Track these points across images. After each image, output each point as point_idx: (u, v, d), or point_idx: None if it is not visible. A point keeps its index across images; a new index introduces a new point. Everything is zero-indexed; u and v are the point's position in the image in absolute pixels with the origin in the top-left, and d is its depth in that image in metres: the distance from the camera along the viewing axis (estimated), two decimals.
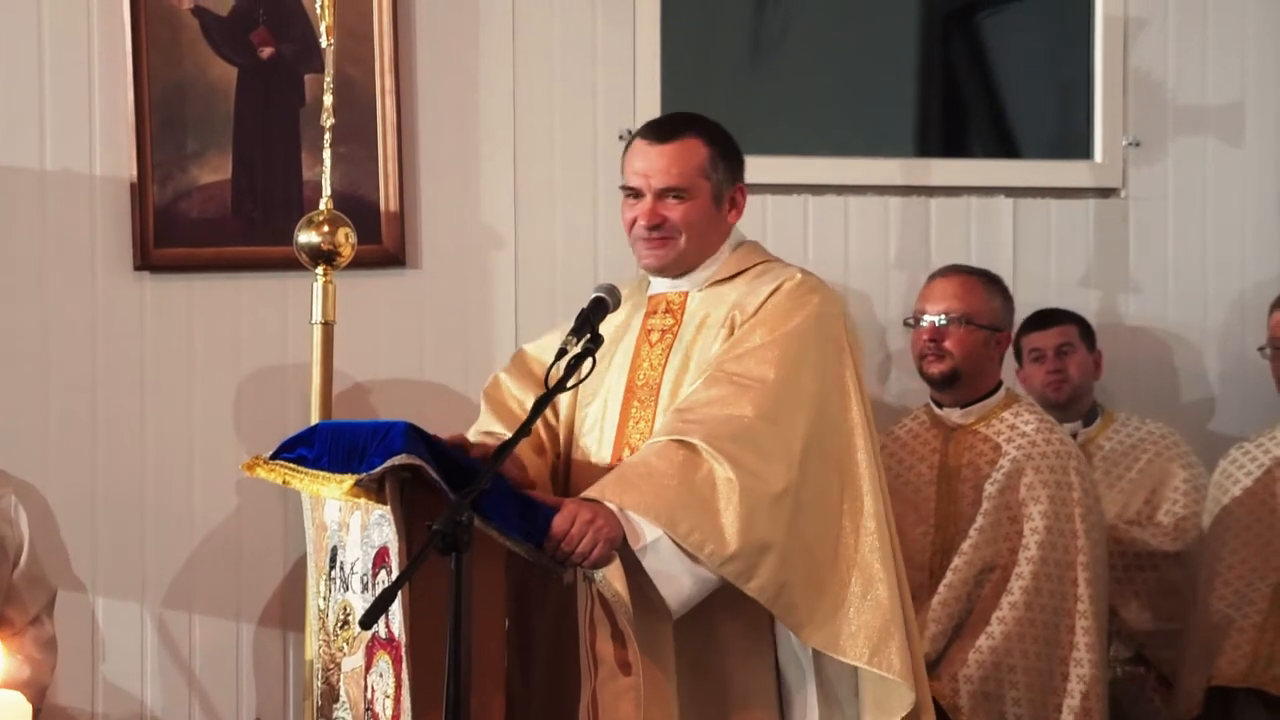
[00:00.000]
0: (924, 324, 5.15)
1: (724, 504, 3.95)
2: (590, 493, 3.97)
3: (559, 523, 3.87)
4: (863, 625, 4.06)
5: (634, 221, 4.29)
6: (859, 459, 4.16)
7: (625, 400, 4.28)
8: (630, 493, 3.94)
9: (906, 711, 4.11)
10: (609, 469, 4.17)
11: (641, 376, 4.28)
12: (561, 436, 4.40)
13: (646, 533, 3.92)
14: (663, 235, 4.26)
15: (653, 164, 4.26)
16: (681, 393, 4.19)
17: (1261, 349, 5.41)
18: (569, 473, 4.37)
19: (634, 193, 4.29)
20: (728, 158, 4.30)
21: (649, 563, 3.92)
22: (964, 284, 5.16)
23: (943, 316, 5.12)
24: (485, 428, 4.37)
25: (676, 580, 3.95)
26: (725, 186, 4.29)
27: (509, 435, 3.99)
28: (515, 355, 4.60)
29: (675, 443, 4.00)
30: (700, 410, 4.06)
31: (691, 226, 4.25)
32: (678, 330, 4.29)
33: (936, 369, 5.12)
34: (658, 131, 4.33)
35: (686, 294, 4.33)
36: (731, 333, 4.20)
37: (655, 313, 4.34)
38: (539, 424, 4.33)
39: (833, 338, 4.20)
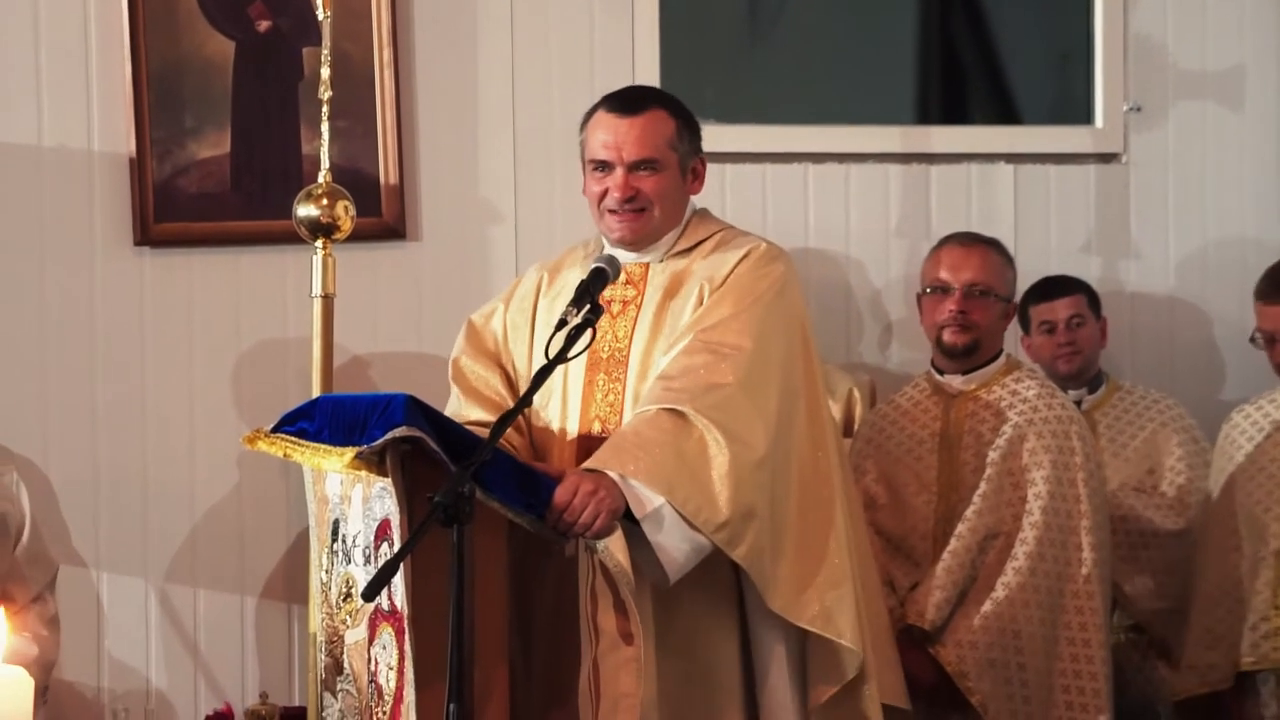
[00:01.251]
0: (947, 294, 5.08)
1: (715, 471, 3.99)
2: (590, 463, 3.98)
3: (561, 494, 3.88)
4: (818, 591, 4.11)
5: (603, 194, 4.28)
6: (822, 422, 4.23)
7: (589, 372, 4.28)
8: (630, 462, 3.95)
9: (856, 673, 4.17)
10: (576, 441, 4.21)
11: (606, 349, 4.28)
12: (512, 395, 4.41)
13: (648, 501, 3.93)
14: (636, 207, 4.26)
15: (624, 136, 4.26)
16: (653, 362, 4.21)
17: (1253, 339, 5.40)
18: (531, 445, 4.37)
19: (601, 165, 4.28)
20: (690, 130, 4.33)
21: (650, 530, 3.93)
22: (985, 255, 5.12)
23: (969, 287, 5.06)
24: (466, 415, 4.35)
25: (676, 548, 3.97)
26: (689, 158, 4.32)
27: (489, 419, 4.04)
28: (466, 329, 4.53)
29: (665, 411, 4.02)
30: (684, 379, 4.08)
31: (663, 198, 4.26)
32: (641, 301, 4.30)
33: (961, 340, 5.07)
34: (625, 104, 4.32)
35: (648, 265, 4.33)
36: (701, 303, 4.22)
37: (617, 283, 4.32)
38: (504, 400, 4.36)
39: (793, 306, 4.26)
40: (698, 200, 4.43)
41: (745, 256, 4.25)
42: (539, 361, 4.09)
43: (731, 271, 4.23)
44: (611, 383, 4.26)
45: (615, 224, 4.29)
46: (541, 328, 4.32)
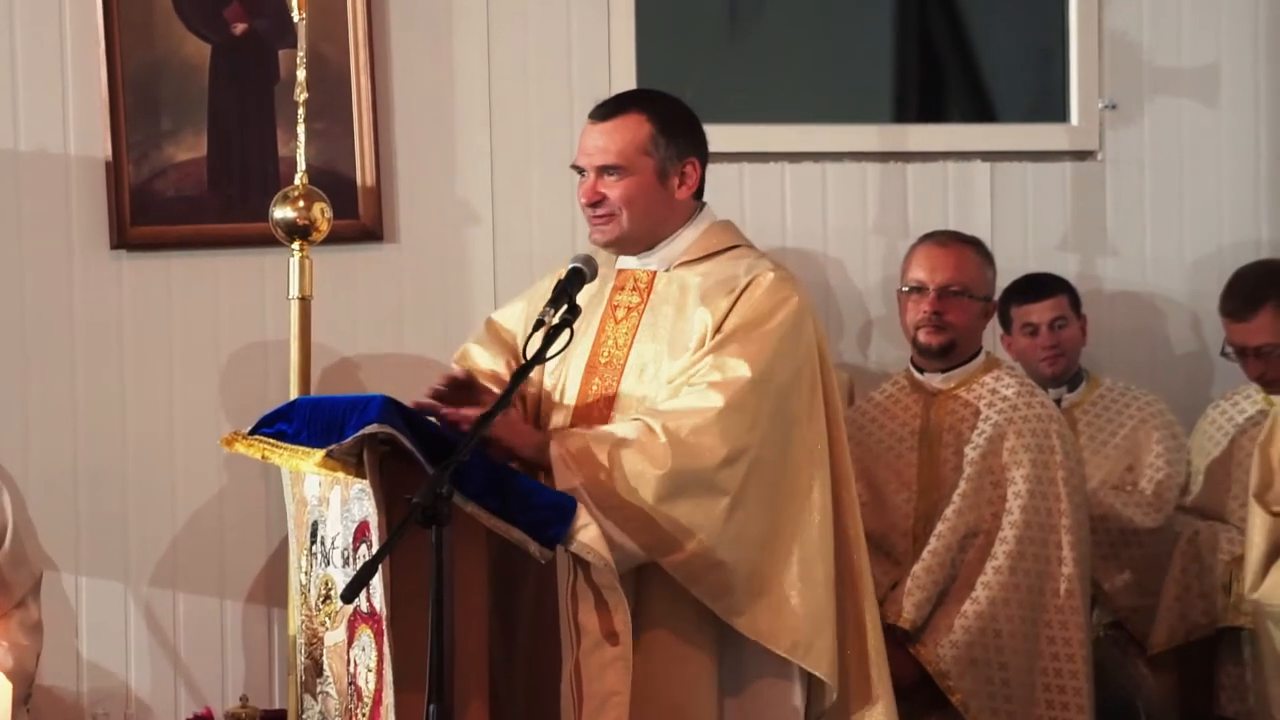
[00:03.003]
0: (922, 294, 5.09)
1: (654, 484, 4.00)
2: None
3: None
4: (798, 622, 4.11)
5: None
6: (816, 451, 4.20)
7: (586, 375, 4.29)
8: (568, 438, 4.07)
9: (828, 705, 4.20)
10: None
11: (605, 354, 4.29)
12: (529, 400, 4.42)
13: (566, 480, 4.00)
14: (603, 213, 4.27)
15: (593, 142, 4.28)
16: (647, 370, 4.22)
17: (1224, 352, 5.44)
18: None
19: (579, 170, 4.31)
20: (674, 133, 4.28)
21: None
22: (962, 255, 5.11)
23: (944, 288, 5.07)
24: (473, 356, 4.39)
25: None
26: (671, 162, 4.27)
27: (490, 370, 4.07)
28: (485, 324, 4.61)
29: (633, 421, 4.09)
30: (670, 403, 4.12)
31: (631, 203, 4.25)
32: (643, 309, 4.30)
33: (936, 341, 5.07)
34: (601, 109, 4.34)
35: (654, 273, 4.33)
36: (703, 327, 4.19)
37: (623, 289, 4.34)
38: (519, 393, 4.34)
39: (807, 335, 4.23)
40: (720, 212, 4.42)
41: (754, 282, 4.21)
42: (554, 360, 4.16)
43: (739, 299, 4.19)
44: (603, 387, 4.27)
45: (590, 228, 4.32)
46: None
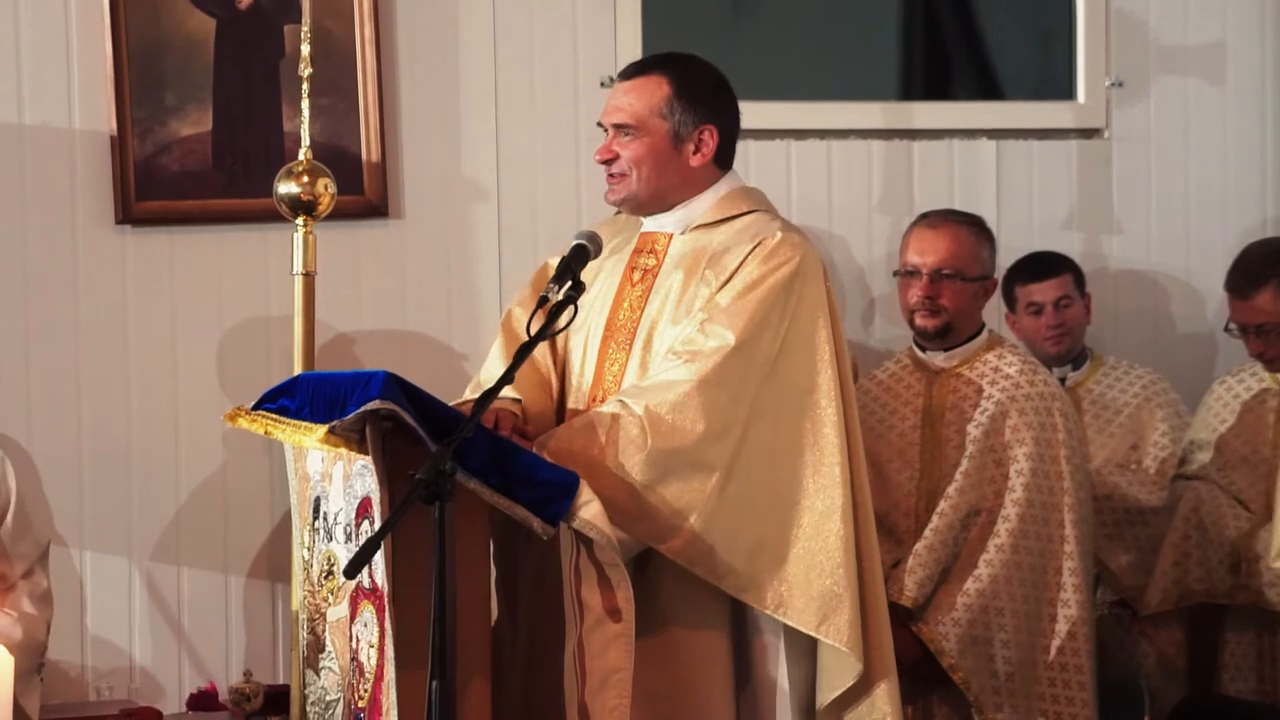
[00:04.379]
0: (916, 278, 5.08)
1: (626, 461, 3.97)
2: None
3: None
4: (814, 592, 4.06)
5: None
6: (824, 421, 4.13)
7: (604, 338, 4.28)
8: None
9: (854, 681, 4.13)
10: (587, 408, 4.20)
11: (621, 316, 4.28)
12: (557, 369, 4.40)
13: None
14: (615, 172, 4.26)
15: (614, 100, 4.28)
16: (658, 334, 4.19)
17: (1228, 329, 5.44)
18: (561, 405, 4.37)
19: (603, 128, 4.32)
20: (693, 99, 4.24)
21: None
22: (954, 235, 5.09)
23: (936, 272, 5.06)
24: (494, 370, 4.31)
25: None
26: (686, 127, 4.24)
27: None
28: (534, 277, 4.53)
29: (614, 402, 4.06)
30: (652, 378, 4.10)
31: (640, 164, 4.23)
32: (658, 272, 4.28)
33: (931, 324, 5.07)
34: (628, 69, 4.36)
35: (671, 236, 4.31)
36: (707, 291, 4.16)
37: (642, 251, 4.32)
38: (540, 363, 4.35)
39: (808, 298, 4.16)
40: (750, 179, 4.39)
41: (759, 246, 4.16)
42: (577, 326, 4.15)
43: (743, 262, 4.16)
44: (618, 353, 4.25)
45: (607, 186, 4.31)
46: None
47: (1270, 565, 4.93)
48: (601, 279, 4.33)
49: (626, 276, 4.31)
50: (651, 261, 4.30)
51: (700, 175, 4.29)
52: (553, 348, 4.39)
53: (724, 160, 4.32)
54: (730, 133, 4.32)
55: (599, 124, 4.33)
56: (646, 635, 4.05)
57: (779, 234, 4.19)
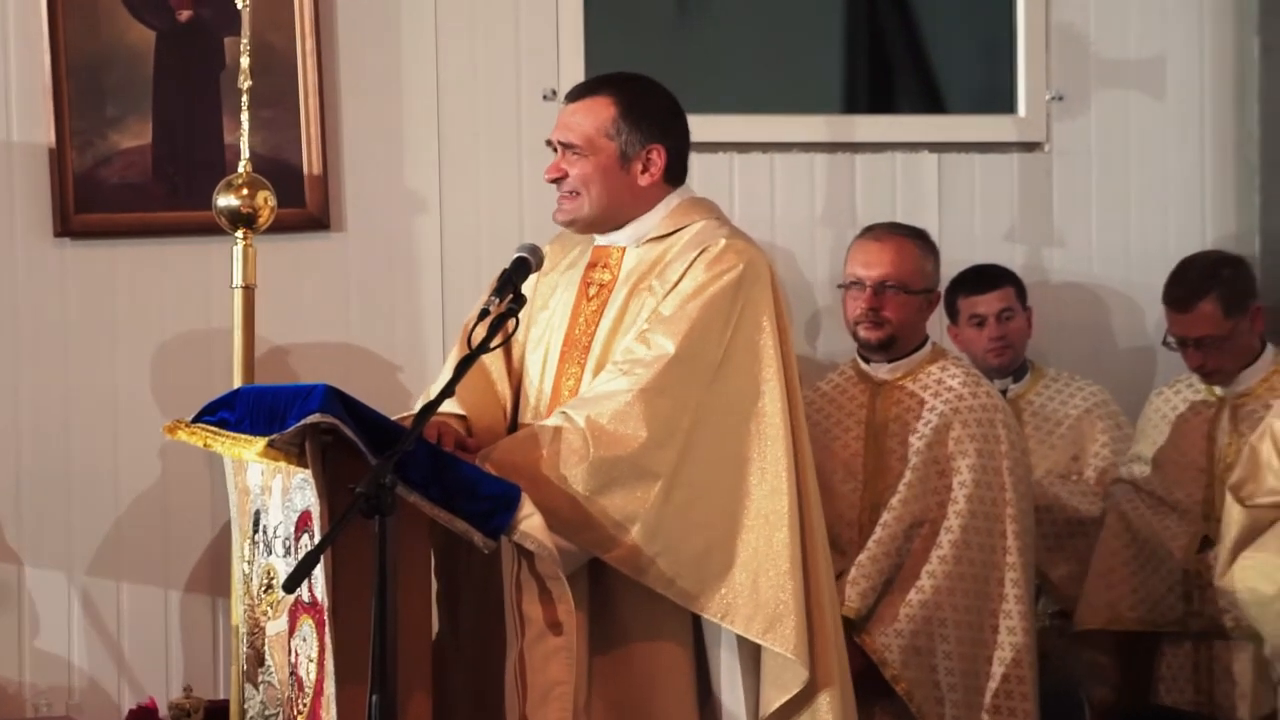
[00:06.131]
0: (860, 290, 5.09)
1: (579, 480, 3.98)
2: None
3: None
4: (760, 600, 4.06)
5: None
6: (770, 427, 4.14)
7: (562, 353, 4.29)
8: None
9: (800, 688, 4.14)
10: (545, 418, 4.19)
11: (577, 331, 4.29)
12: (511, 382, 4.40)
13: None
14: (566, 191, 4.28)
15: (562, 119, 4.30)
16: (612, 349, 4.19)
17: (1166, 342, 5.47)
18: (515, 414, 4.37)
19: (553, 147, 4.33)
20: (639, 119, 4.26)
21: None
22: (899, 248, 5.11)
23: (880, 284, 5.07)
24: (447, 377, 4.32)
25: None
26: (633, 147, 4.25)
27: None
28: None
29: (558, 415, 4.06)
30: (594, 389, 4.10)
31: (589, 184, 4.25)
32: (613, 286, 4.29)
33: (875, 336, 5.08)
34: (575, 89, 4.38)
35: (624, 250, 4.32)
36: (654, 302, 4.17)
37: (596, 265, 4.33)
38: (492, 375, 4.35)
39: (753, 303, 4.18)
40: (703, 192, 4.41)
41: (702, 254, 4.18)
42: (531, 336, 4.22)
43: (686, 271, 4.17)
44: (573, 367, 4.26)
45: (556, 205, 4.32)
46: (535, 303, 4.34)
47: (1216, 584, 4.94)
48: (559, 294, 4.35)
49: (582, 291, 4.32)
50: (606, 276, 4.31)
51: (650, 193, 4.30)
52: (508, 361, 4.39)
53: (675, 177, 4.34)
54: (680, 150, 4.34)
55: (547, 142, 4.34)
56: (606, 646, 4.07)
57: (723, 241, 4.21)
